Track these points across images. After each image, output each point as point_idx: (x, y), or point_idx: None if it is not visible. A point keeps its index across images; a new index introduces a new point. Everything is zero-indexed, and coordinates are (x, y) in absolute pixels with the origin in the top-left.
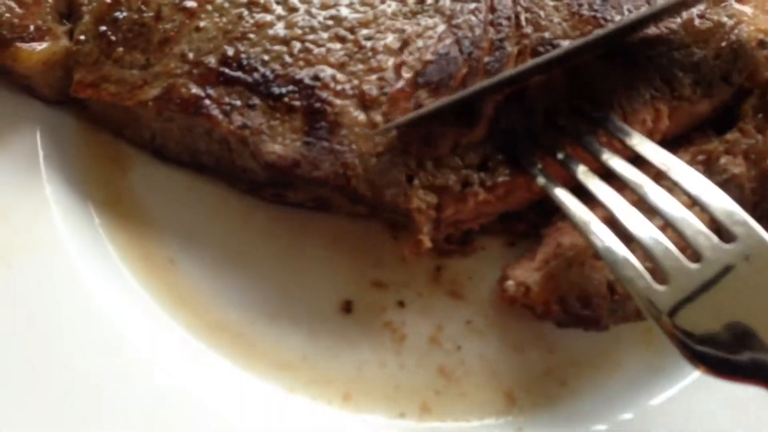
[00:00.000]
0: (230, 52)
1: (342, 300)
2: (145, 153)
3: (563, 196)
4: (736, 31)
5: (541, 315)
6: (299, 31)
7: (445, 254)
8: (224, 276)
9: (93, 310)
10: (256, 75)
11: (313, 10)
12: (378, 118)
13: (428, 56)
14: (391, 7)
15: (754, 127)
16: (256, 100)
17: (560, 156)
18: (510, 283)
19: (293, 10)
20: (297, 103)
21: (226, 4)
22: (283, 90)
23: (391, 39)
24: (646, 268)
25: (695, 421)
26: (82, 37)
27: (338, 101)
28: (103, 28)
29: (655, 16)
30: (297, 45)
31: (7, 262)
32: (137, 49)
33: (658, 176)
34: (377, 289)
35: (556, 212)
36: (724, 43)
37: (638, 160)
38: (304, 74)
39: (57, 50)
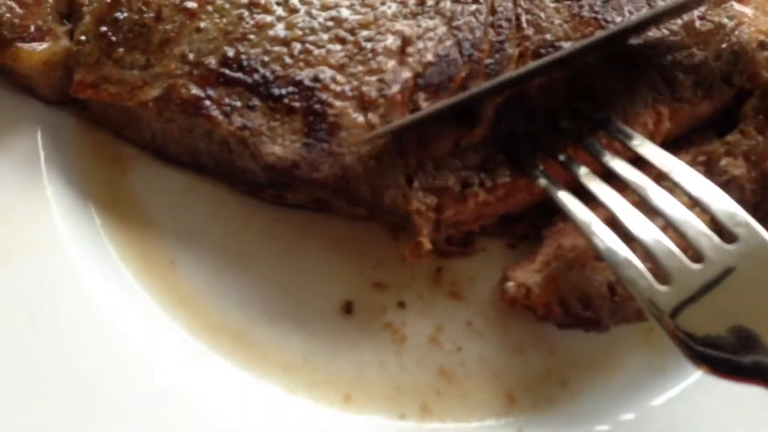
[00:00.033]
0: (230, 53)
1: (342, 301)
2: (145, 154)
3: (565, 197)
4: (736, 32)
5: (541, 316)
6: (299, 32)
7: (446, 255)
8: (224, 276)
9: (93, 310)
10: (256, 76)
11: (314, 11)
12: (377, 120)
13: (428, 58)
14: (392, 8)
15: (754, 128)
16: (256, 101)
17: (561, 158)
18: (510, 284)
19: (294, 11)
20: (297, 104)
21: (227, 5)
22: (283, 91)
23: (391, 40)
24: (648, 269)
25: (697, 421)
26: (83, 38)
27: (338, 103)
28: (104, 28)
29: (656, 18)
30: (297, 46)
31: (7, 262)
32: (138, 49)
33: (659, 177)
34: (378, 290)
35: (556, 214)
36: (724, 45)
37: (639, 162)
38: (304, 75)
39: (57, 50)
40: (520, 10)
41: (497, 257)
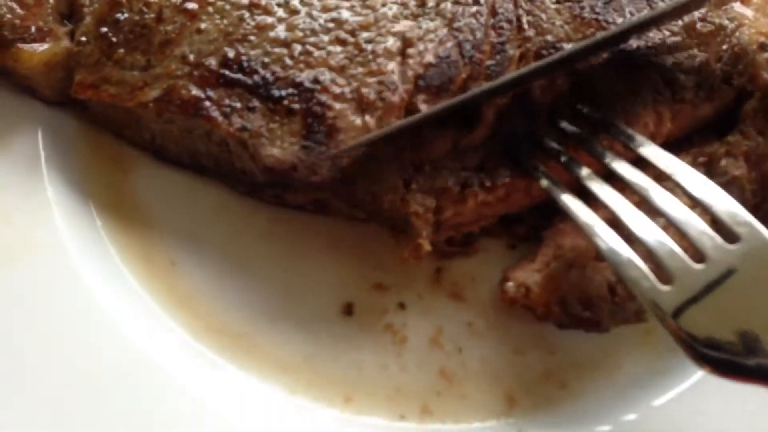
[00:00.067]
0: (231, 54)
1: (343, 302)
2: (146, 154)
3: (567, 198)
4: (737, 33)
5: (541, 317)
6: (300, 34)
7: (446, 256)
8: (225, 278)
9: (94, 311)
10: (256, 77)
11: (315, 13)
12: (375, 122)
13: (429, 59)
14: (392, 9)
15: (754, 129)
16: (255, 103)
17: (563, 159)
18: (511, 284)
19: (294, 12)
20: (296, 106)
21: (227, 6)
22: (283, 93)
23: (391, 42)
24: (650, 270)
25: (698, 421)
26: (84, 38)
27: (337, 105)
28: (105, 29)
29: (657, 19)
30: (297, 47)
31: (8, 263)
32: (138, 50)
33: (660, 178)
34: (378, 292)
35: (556, 214)
36: (725, 46)
37: (640, 163)
38: (304, 77)
39: (58, 51)
40: (521, 12)
41: (497, 258)
